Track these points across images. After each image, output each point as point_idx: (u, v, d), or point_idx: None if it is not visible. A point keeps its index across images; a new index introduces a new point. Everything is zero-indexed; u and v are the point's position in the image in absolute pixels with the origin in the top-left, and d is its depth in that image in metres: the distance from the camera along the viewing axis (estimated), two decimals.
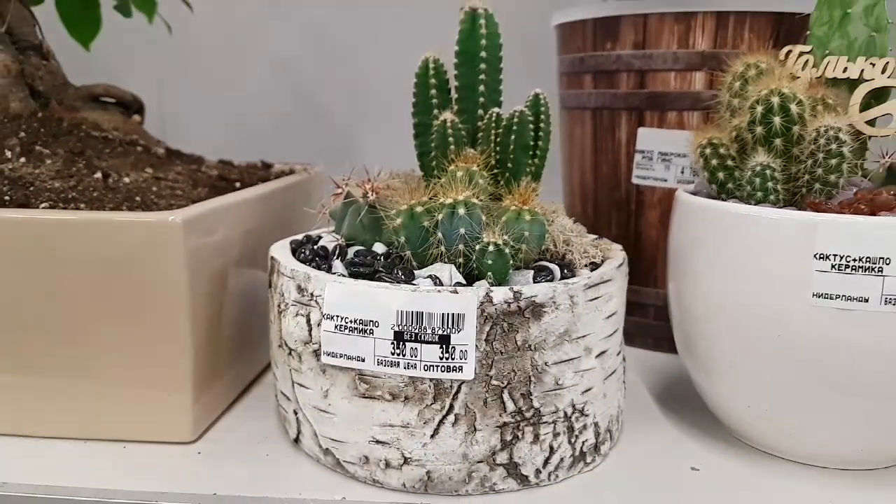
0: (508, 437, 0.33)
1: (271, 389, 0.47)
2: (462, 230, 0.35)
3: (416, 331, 0.33)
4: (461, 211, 0.35)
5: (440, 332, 0.33)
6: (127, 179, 0.44)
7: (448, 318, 0.33)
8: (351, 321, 0.34)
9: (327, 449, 0.36)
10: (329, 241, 0.41)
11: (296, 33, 0.83)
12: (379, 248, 0.39)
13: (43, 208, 0.39)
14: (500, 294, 0.33)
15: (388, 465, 0.34)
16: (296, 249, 0.41)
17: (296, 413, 0.37)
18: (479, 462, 0.33)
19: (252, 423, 0.42)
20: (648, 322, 0.55)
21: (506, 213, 0.36)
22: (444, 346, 0.33)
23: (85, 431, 0.39)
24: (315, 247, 0.41)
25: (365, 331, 0.33)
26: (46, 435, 0.39)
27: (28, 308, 0.37)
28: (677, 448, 0.39)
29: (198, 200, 0.42)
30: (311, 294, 0.35)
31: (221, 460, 0.37)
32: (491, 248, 0.34)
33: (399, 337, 0.33)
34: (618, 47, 0.53)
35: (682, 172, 0.51)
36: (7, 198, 0.40)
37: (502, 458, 0.34)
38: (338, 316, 0.34)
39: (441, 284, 0.34)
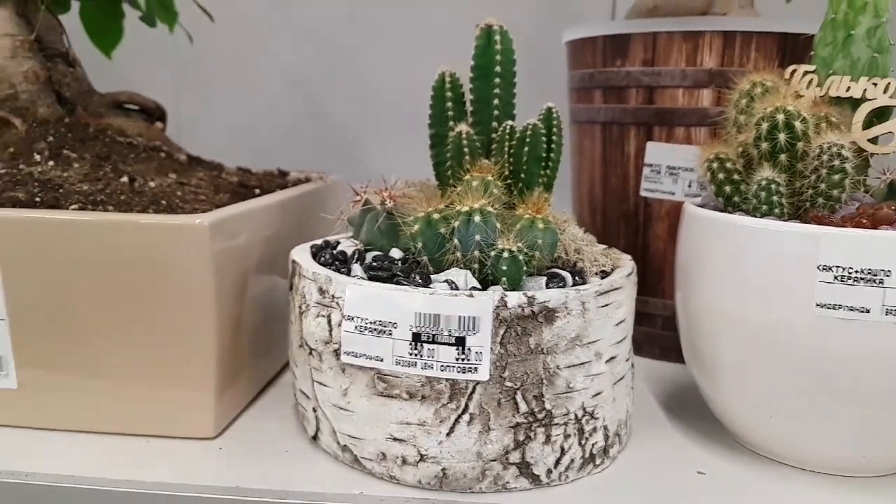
0: (521, 438, 0.35)
1: (288, 390, 0.48)
2: (478, 237, 0.37)
3: (433, 332, 0.34)
4: (477, 218, 0.37)
5: (456, 333, 0.34)
6: (152, 184, 0.46)
7: (464, 321, 0.34)
8: (370, 322, 0.35)
9: (345, 445, 0.37)
10: (348, 245, 0.43)
11: (306, 43, 0.85)
12: (396, 253, 0.41)
13: (73, 210, 0.41)
14: (515, 298, 0.34)
15: (404, 461, 0.35)
16: (316, 253, 0.42)
17: (315, 411, 0.38)
18: (492, 461, 0.35)
19: (270, 422, 0.43)
20: (656, 332, 0.56)
21: (520, 221, 0.38)
22: (459, 348, 0.34)
23: (111, 426, 0.40)
24: (334, 251, 0.42)
25: (384, 332, 0.35)
26: (75, 429, 0.40)
27: (58, 307, 0.38)
28: (683, 453, 0.40)
29: (220, 205, 0.44)
30: (332, 296, 0.36)
31: (242, 456, 0.38)
32: (506, 254, 0.36)
33: (417, 338, 0.34)
34: (627, 64, 0.54)
35: (690, 186, 0.53)
36: (37, 199, 0.42)
37: (515, 457, 0.35)
38: (358, 317, 0.35)
39: (457, 289, 0.35)
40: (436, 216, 0.38)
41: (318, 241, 0.45)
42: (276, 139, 0.87)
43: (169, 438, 0.39)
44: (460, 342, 0.34)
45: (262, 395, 0.47)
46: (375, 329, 0.35)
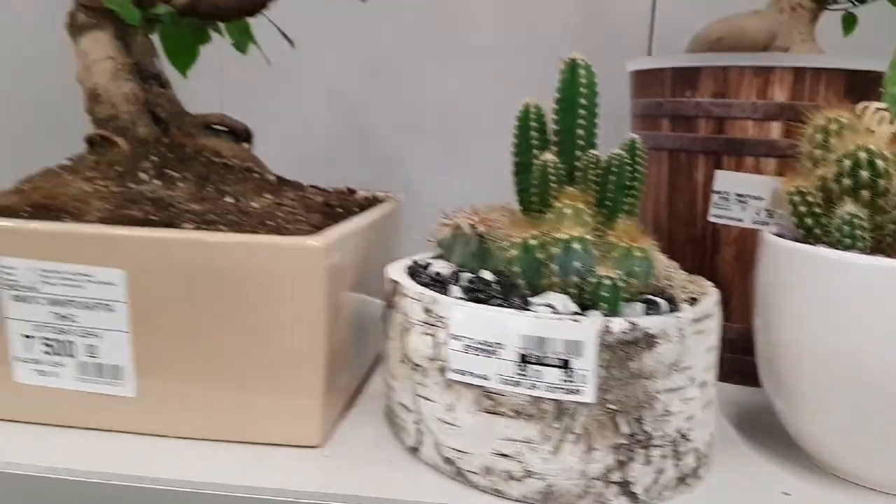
0: (622, 458, 0.36)
1: (372, 400, 0.50)
2: (577, 264, 0.39)
3: (539, 354, 0.36)
4: (577, 246, 0.39)
5: (562, 356, 0.36)
6: (254, 204, 0.48)
7: (569, 345, 0.36)
8: (477, 342, 0.37)
9: (449, 458, 0.39)
10: (442, 267, 0.45)
11: (350, 61, 0.87)
12: (487, 275, 0.43)
13: (188, 228, 0.43)
14: (618, 325, 0.36)
15: (510, 476, 0.37)
16: (412, 273, 0.44)
17: (416, 423, 0.41)
18: (595, 479, 0.36)
19: (366, 431, 0.45)
20: (721, 355, 0.57)
21: (616, 249, 0.40)
22: (565, 370, 0.36)
23: (224, 434, 0.42)
24: (428, 272, 0.45)
25: (490, 352, 0.37)
26: (190, 436, 0.42)
27: (176, 320, 0.41)
28: (765, 474, 0.42)
29: (316, 225, 0.46)
30: (438, 315, 0.38)
31: (348, 464, 0.40)
32: (606, 281, 0.38)
33: (523, 359, 0.36)
34: (697, 95, 0.56)
35: (758, 214, 0.55)
36: (152, 217, 0.45)
37: (616, 476, 0.36)
38: (464, 337, 0.37)
39: (557, 312, 0.37)
40: (533, 242, 0.40)
41: (409, 262, 0.48)
42: (319, 155, 0.89)
43: (278, 446, 0.42)
44: (565, 364, 0.36)
45: (351, 405, 0.49)
46: (482, 349, 0.37)
